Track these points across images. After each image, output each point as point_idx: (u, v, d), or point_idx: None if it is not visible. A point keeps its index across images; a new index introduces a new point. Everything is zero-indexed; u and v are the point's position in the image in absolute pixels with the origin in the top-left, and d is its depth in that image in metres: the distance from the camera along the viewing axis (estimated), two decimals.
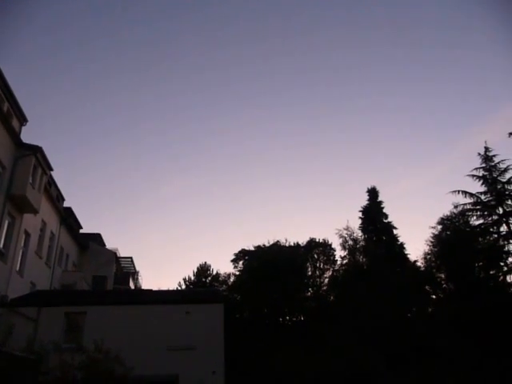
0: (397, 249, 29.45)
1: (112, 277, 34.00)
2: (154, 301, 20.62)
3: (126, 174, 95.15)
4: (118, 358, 13.54)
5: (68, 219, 30.60)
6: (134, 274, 41.77)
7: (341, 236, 31.18)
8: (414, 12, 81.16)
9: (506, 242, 27.12)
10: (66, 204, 32.12)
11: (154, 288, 31.04)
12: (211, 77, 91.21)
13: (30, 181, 21.24)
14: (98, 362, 13.20)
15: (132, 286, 39.28)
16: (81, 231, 35.30)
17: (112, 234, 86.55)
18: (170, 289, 32.77)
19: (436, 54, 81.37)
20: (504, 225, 27.50)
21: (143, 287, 42.31)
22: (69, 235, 30.86)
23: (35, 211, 22.32)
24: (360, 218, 31.23)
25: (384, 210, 30.90)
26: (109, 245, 38.53)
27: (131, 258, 40.54)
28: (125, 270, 40.37)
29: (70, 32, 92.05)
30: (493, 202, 28.37)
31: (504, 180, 28.38)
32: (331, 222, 73.89)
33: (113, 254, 35.65)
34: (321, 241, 35.42)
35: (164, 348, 17.78)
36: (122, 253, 39.53)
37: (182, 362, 17.43)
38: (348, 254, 31.00)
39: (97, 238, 37.13)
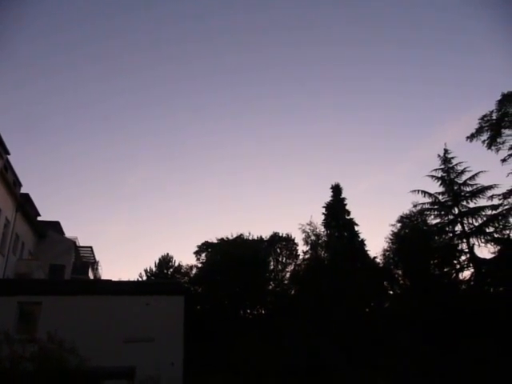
0: (357, 245, 30.04)
1: (70, 266, 33.03)
2: (114, 291, 20.29)
3: (88, 161, 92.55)
4: (73, 349, 13.22)
5: (25, 206, 29.46)
6: (94, 263, 40.81)
7: (304, 231, 31.52)
8: (380, 10, 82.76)
9: (459, 241, 28.41)
10: (23, 190, 30.92)
11: (114, 279, 30.50)
12: (172, 72, 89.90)
13: None
14: (51, 353, 12.83)
15: (91, 276, 38.35)
16: (39, 219, 34.08)
17: (72, 222, 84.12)
18: (131, 280, 32.22)
19: (400, 52, 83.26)
20: (459, 224, 28.79)
21: (103, 277, 41.41)
22: (25, 222, 29.74)
23: None
24: (323, 213, 31.63)
25: (347, 207, 31.43)
26: (68, 233, 37.46)
27: (91, 247, 39.56)
28: (84, 259, 39.35)
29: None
30: (449, 203, 29.62)
31: (460, 182, 29.70)
32: (295, 217, 74.87)
33: (72, 242, 34.67)
34: (284, 235, 35.82)
35: (121, 339, 17.57)
36: (81, 242, 38.59)
37: (140, 354, 17.29)
38: (310, 249, 31.35)
39: (55, 226, 35.96)
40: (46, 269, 29.88)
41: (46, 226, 33.99)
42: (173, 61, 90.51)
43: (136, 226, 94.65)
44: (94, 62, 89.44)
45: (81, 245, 38.30)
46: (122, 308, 18.67)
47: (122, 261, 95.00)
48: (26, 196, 31.05)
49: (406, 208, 47.06)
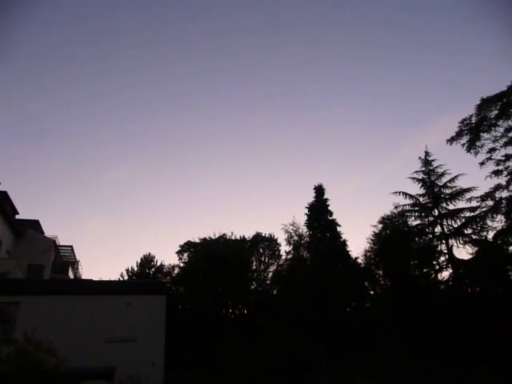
0: (339, 245, 30.30)
1: (50, 266, 32.49)
2: (94, 291, 20.05)
3: (69, 159, 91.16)
4: (51, 349, 12.99)
5: (3, 204, 28.88)
6: (74, 263, 40.21)
7: (286, 231, 31.66)
8: (363, 11, 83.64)
9: (439, 243, 28.96)
10: (1, 188, 30.34)
11: (95, 278, 30.15)
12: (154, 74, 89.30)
13: None
14: (27, 353, 12.58)
15: (72, 275, 37.82)
16: (17, 217, 33.43)
17: (52, 221, 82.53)
18: (112, 279, 31.86)
19: (382, 53, 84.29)
20: (438, 226, 29.35)
21: (83, 277, 40.86)
22: (3, 221, 29.10)
23: None
24: (306, 214, 31.82)
25: (329, 208, 31.68)
26: (48, 232, 36.82)
27: (71, 246, 39.02)
28: (64, 258, 38.77)
29: None
30: (430, 204, 30.19)
31: (441, 184, 30.31)
32: (278, 218, 75.01)
33: (51, 241, 34.08)
34: (267, 235, 35.94)
35: (102, 340, 17.38)
36: (61, 241, 38.03)
37: (120, 354, 17.10)
38: (292, 250, 31.48)
39: (35, 225, 35.30)
40: (25, 268, 29.33)
41: (25, 225, 33.35)
42: (155, 61, 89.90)
43: (118, 226, 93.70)
44: (78, 62, 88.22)
45: (61, 244, 37.71)
46: (103, 308, 18.45)
47: (103, 260, 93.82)
48: (4, 194, 30.43)
49: (387, 209, 47.68)
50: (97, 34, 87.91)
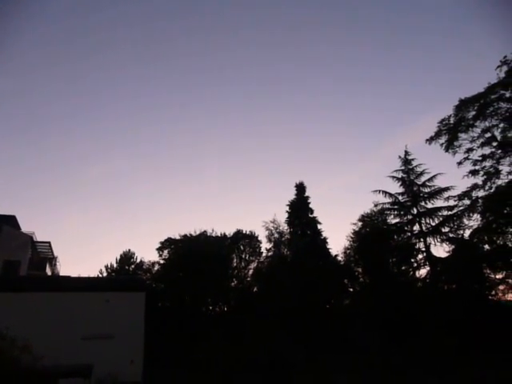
0: (320, 243, 30.50)
1: (26, 262, 31.83)
2: (72, 288, 19.84)
3: (47, 153, 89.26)
4: (26, 346, 12.77)
5: None
6: (52, 259, 39.47)
7: (267, 229, 31.79)
8: (343, 10, 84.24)
9: (417, 241, 29.38)
10: None
11: (74, 275, 29.74)
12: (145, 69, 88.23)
13: None
14: (2, 351, 12.34)
15: (49, 272, 37.16)
16: None
17: (29, 216, 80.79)
18: (91, 276, 31.43)
19: (366, 53, 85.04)
20: (417, 224, 29.78)
21: (61, 274, 40.16)
22: None
23: None
24: (287, 211, 31.95)
25: (310, 205, 31.86)
26: (25, 228, 36.02)
27: (49, 242, 38.22)
28: (42, 255, 37.99)
29: None
30: (409, 203, 30.57)
31: (420, 183, 30.72)
32: (258, 215, 74.94)
33: (28, 237, 33.37)
34: (247, 232, 35.94)
35: (80, 337, 17.20)
36: (39, 237, 37.22)
37: (98, 351, 16.98)
38: (273, 247, 31.63)
39: (11, 221, 34.49)
40: (0, 265, 28.66)
41: (1, 221, 32.58)
42: (138, 59, 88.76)
43: (97, 222, 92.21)
44: (60, 59, 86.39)
45: (38, 240, 36.95)
46: (81, 305, 18.28)
47: (81, 257, 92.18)
48: None
49: (367, 207, 48.27)
50: (75, 31, 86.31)
